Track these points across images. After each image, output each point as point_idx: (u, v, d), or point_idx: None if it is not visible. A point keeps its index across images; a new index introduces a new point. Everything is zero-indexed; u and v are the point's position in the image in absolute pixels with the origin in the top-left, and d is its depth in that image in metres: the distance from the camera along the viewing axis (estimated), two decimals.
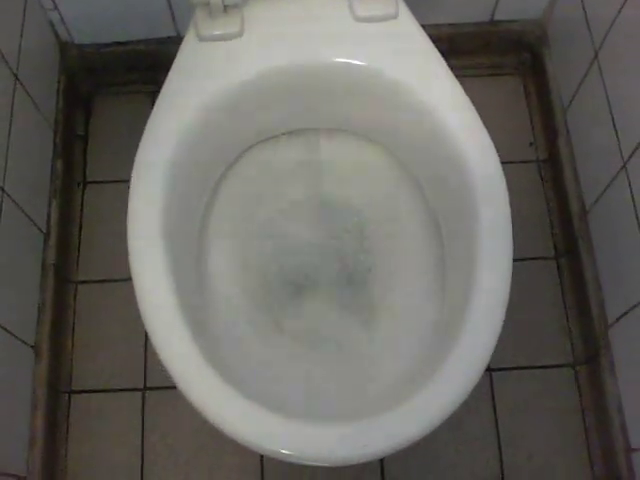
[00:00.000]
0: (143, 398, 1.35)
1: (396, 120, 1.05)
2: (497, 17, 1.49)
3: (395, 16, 1.02)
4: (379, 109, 1.06)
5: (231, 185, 1.14)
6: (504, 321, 0.89)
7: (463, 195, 0.96)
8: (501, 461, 1.31)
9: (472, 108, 0.99)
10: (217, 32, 1.01)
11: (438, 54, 1.02)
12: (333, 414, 0.89)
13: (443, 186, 1.04)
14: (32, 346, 1.27)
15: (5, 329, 1.15)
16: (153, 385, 1.36)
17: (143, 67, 1.52)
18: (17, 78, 1.24)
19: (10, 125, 1.21)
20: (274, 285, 1.14)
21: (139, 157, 0.96)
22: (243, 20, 1.01)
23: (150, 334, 0.87)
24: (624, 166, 1.18)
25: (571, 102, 1.40)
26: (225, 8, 1.00)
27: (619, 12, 1.16)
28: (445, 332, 0.94)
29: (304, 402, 0.96)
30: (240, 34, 1.01)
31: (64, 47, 1.48)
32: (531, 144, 1.54)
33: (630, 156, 1.15)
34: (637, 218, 1.15)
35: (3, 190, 1.17)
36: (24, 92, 1.28)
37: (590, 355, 1.35)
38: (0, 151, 1.17)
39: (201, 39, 1.02)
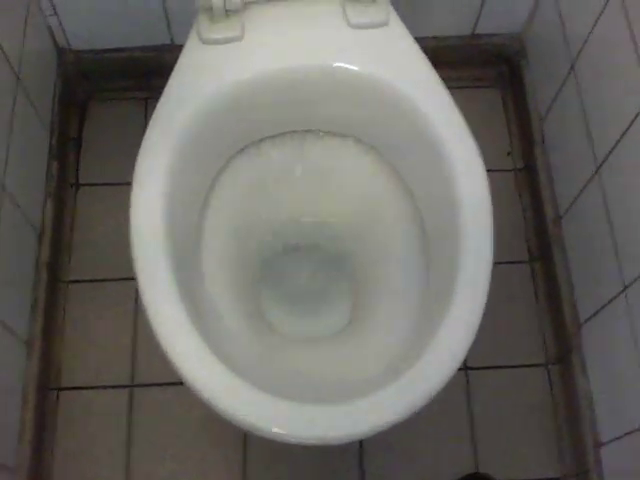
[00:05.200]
0: (130, 395, 1.37)
1: (388, 124, 1.09)
2: (478, 31, 1.54)
3: (386, 23, 1.07)
4: (373, 113, 1.10)
5: (223, 190, 1.17)
6: (482, 321, 0.91)
7: (448, 197, 0.99)
8: (476, 456, 1.35)
9: (459, 114, 1.03)
10: (219, 35, 1.05)
11: (427, 59, 1.06)
12: (321, 397, 0.92)
13: (429, 189, 1.08)
14: (25, 342, 1.29)
15: (1, 322, 1.18)
16: (140, 382, 1.38)
17: (138, 73, 1.55)
18: (19, 79, 1.27)
19: (11, 125, 1.24)
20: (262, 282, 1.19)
21: (143, 149, 0.98)
22: (243, 25, 1.05)
23: (151, 320, 0.89)
24: (597, 171, 1.23)
25: (548, 113, 1.45)
26: (226, 13, 1.04)
27: (594, 27, 1.21)
28: (427, 324, 0.97)
29: (292, 384, 1.00)
30: (240, 38, 1.05)
31: (61, 52, 1.51)
32: (509, 153, 1.59)
33: (602, 162, 1.20)
34: (609, 222, 1.20)
35: (4, 187, 1.19)
36: (24, 94, 1.31)
37: (562, 354, 1.39)
38: (1, 149, 1.20)
39: (203, 42, 1.05)
